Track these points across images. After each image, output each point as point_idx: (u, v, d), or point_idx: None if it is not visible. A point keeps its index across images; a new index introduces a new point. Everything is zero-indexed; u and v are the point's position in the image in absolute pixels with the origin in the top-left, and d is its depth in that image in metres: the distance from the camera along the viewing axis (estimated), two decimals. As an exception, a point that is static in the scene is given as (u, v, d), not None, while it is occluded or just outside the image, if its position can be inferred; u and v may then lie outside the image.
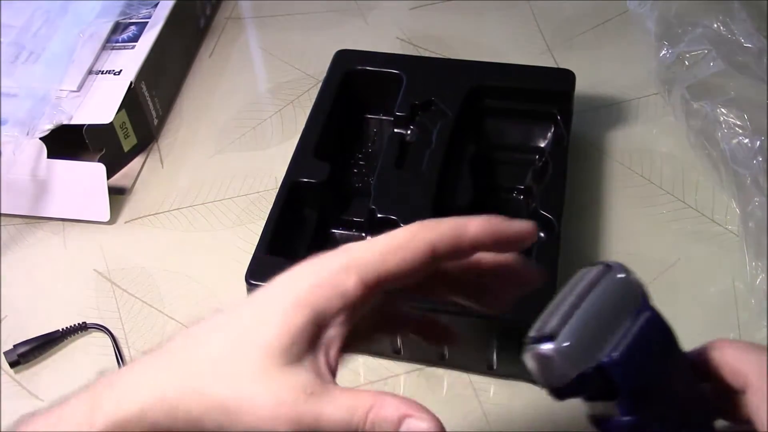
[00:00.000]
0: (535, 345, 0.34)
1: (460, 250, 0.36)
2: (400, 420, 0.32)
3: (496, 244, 0.36)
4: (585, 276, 0.36)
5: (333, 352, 0.33)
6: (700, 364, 0.37)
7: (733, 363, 0.36)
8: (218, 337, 0.34)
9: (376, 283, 0.34)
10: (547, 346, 0.34)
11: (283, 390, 0.32)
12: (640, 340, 0.34)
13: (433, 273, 0.36)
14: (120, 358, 0.63)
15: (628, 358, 0.33)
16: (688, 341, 0.61)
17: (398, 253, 0.34)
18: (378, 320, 0.40)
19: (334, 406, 0.32)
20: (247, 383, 0.32)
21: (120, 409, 0.33)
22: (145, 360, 0.34)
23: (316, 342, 0.33)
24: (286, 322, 0.32)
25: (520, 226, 0.37)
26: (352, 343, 0.36)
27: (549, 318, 0.35)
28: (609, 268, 0.36)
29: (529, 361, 0.35)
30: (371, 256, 0.34)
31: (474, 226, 0.36)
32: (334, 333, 0.33)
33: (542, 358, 0.34)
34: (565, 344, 0.33)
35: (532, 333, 0.35)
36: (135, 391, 0.33)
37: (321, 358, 0.33)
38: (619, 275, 0.36)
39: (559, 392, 0.34)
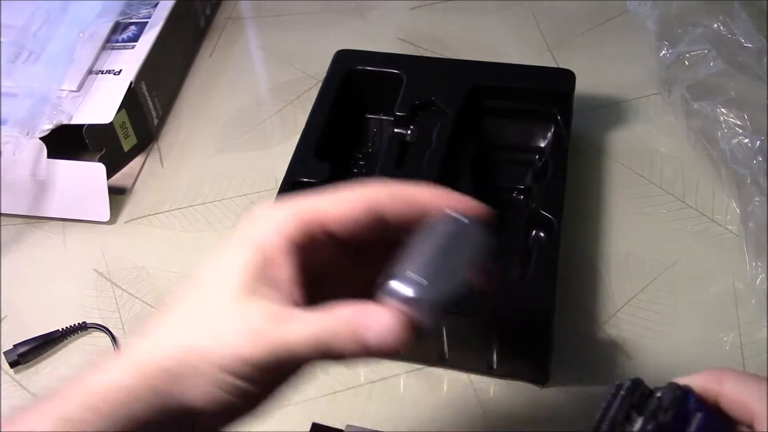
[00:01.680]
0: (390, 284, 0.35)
1: (406, 211, 0.37)
2: (358, 326, 0.34)
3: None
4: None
5: (293, 288, 0.35)
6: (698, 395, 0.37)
7: (736, 396, 0.36)
8: (194, 295, 0.36)
9: (312, 221, 0.36)
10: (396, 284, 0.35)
11: (253, 314, 0.34)
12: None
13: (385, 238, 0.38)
14: (120, 358, 0.63)
15: None
16: (688, 341, 0.61)
17: (337, 198, 0.37)
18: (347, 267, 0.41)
19: (301, 325, 0.33)
20: (219, 324, 0.34)
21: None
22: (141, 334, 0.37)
23: (273, 278, 0.35)
24: (243, 263, 0.35)
25: (469, 203, 0.38)
26: (325, 288, 0.38)
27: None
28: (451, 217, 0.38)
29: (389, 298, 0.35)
30: (311, 200, 0.37)
31: (425, 192, 0.38)
32: (286, 268, 0.35)
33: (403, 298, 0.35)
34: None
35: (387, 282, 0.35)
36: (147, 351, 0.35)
37: (283, 291, 0.34)
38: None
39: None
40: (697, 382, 0.37)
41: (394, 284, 0.35)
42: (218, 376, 0.33)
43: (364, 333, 0.33)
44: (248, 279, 0.34)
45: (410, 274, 0.35)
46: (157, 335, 0.35)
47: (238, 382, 0.33)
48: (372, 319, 0.33)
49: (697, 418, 0.35)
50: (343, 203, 0.36)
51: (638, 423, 0.34)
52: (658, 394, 0.35)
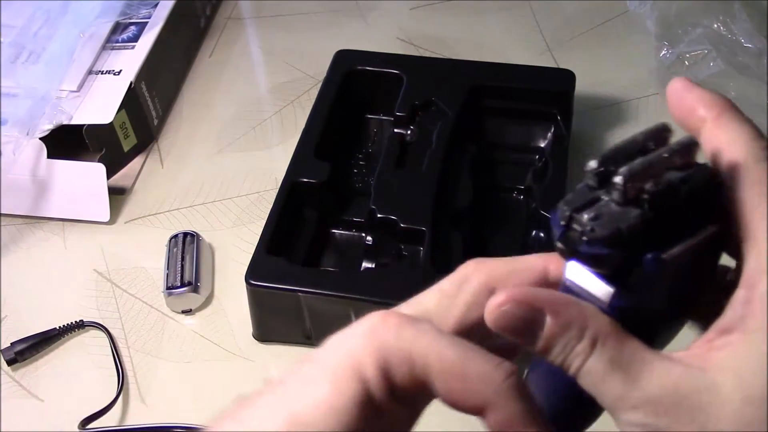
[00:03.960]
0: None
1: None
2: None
3: None
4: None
5: None
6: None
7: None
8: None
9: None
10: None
11: None
12: (697, 247, 0.26)
13: None
14: (117, 355, 0.63)
15: (674, 262, 0.26)
16: (688, 341, 0.61)
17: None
18: None
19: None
20: None
21: None
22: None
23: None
24: (347, 413, 0.26)
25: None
26: None
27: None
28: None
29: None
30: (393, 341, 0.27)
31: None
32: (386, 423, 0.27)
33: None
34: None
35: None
36: None
37: None
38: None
39: (573, 252, 0.26)
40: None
41: None
42: None
43: None
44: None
45: None
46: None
47: None
48: None
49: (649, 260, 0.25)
50: (469, 377, 0.26)
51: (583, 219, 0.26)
52: (618, 179, 0.25)
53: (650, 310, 0.28)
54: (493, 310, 0.27)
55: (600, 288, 0.27)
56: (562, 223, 0.26)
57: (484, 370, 0.26)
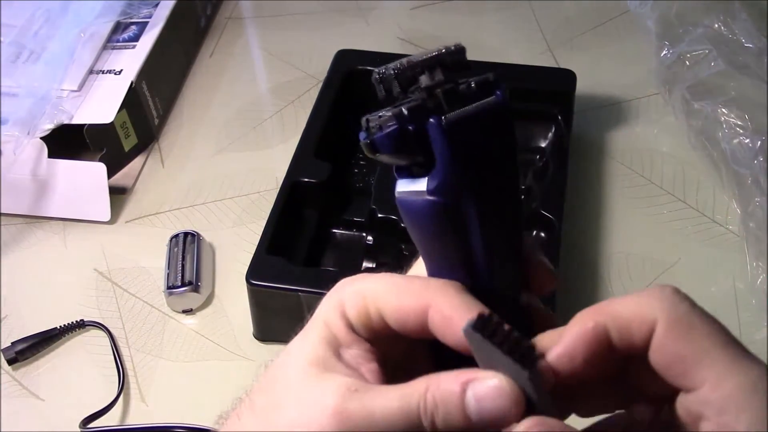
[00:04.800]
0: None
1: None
2: (463, 387, 0.28)
3: None
4: None
5: (367, 366, 0.31)
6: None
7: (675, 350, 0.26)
8: (267, 381, 0.34)
9: (370, 308, 0.31)
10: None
11: (327, 391, 0.30)
12: (479, 115, 0.30)
13: None
14: (118, 355, 0.63)
15: (458, 125, 0.29)
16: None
17: (398, 289, 0.31)
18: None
19: (384, 398, 0.29)
20: (292, 409, 0.30)
21: None
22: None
23: (344, 355, 0.31)
24: (312, 339, 0.32)
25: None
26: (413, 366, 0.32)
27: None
28: None
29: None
30: (378, 284, 0.31)
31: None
32: (355, 347, 0.31)
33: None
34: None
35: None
36: None
37: (355, 368, 0.31)
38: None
39: (374, 144, 0.29)
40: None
41: None
42: None
43: (469, 400, 0.28)
44: (318, 355, 0.31)
45: None
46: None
47: None
48: (479, 383, 0.28)
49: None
50: (404, 296, 0.30)
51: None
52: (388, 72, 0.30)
53: (470, 191, 0.30)
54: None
55: (417, 185, 0.30)
56: (363, 128, 0.30)
57: (424, 281, 0.31)
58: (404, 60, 0.30)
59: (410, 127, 0.29)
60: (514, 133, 0.32)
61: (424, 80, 0.29)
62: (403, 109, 0.29)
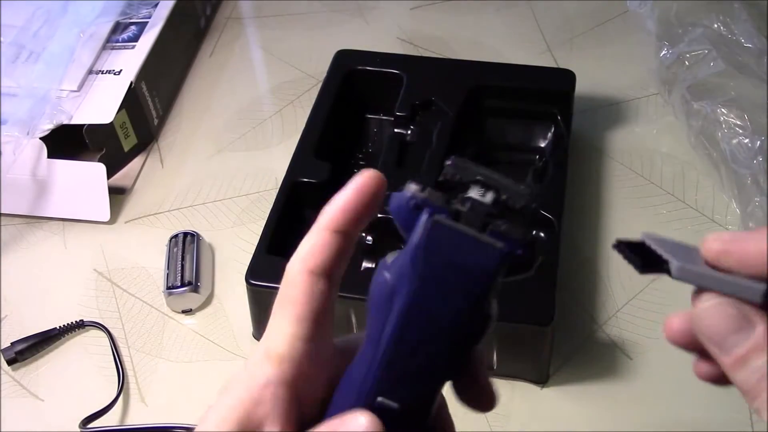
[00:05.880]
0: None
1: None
2: None
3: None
4: None
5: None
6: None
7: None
8: None
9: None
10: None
11: None
12: (469, 244, 0.29)
13: None
14: (117, 355, 0.63)
15: (442, 233, 0.29)
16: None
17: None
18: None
19: None
20: None
21: None
22: None
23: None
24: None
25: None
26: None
27: None
28: None
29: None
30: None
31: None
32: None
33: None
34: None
35: None
36: None
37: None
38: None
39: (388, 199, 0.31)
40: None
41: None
42: None
43: None
44: None
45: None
46: None
47: None
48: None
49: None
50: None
51: None
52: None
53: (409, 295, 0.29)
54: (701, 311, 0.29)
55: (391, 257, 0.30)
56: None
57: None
58: (487, 173, 0.31)
59: (414, 202, 0.29)
60: (485, 305, 0.29)
61: (475, 194, 0.30)
62: (421, 193, 0.29)
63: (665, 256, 0.30)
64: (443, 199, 0.29)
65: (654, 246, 0.31)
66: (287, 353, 0.30)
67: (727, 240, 0.29)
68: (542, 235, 0.63)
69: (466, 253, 0.28)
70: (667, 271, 0.30)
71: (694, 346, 0.30)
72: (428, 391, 0.30)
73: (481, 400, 0.31)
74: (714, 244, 0.29)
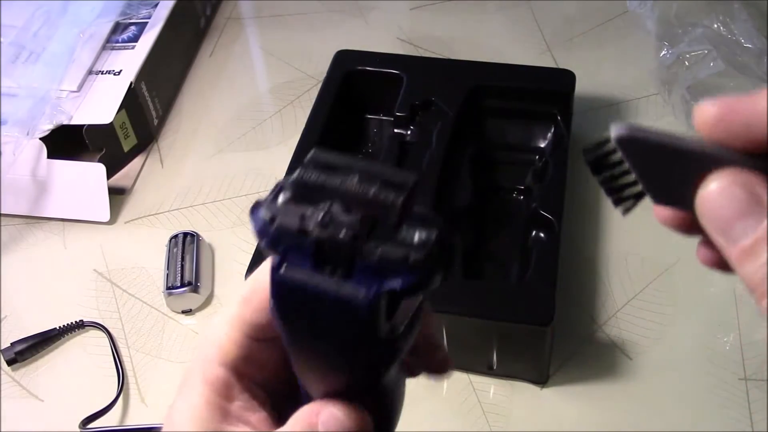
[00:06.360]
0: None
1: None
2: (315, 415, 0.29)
3: None
4: None
5: (256, 416, 0.31)
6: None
7: None
8: None
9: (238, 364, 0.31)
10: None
11: None
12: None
13: None
14: (117, 355, 0.63)
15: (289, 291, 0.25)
16: (688, 341, 0.61)
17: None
18: None
19: None
20: None
21: None
22: None
23: (232, 414, 0.31)
24: (198, 411, 0.30)
25: None
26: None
27: None
28: None
29: None
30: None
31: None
32: (240, 404, 0.31)
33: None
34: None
35: None
36: None
37: (247, 422, 0.30)
38: None
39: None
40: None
41: None
42: None
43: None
44: (203, 419, 0.30)
45: None
46: None
47: None
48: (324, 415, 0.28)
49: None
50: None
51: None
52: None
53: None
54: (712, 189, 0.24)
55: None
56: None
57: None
58: (355, 164, 0.24)
59: (268, 239, 0.25)
60: (374, 338, 0.25)
61: (338, 208, 0.24)
62: (271, 218, 0.25)
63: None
64: (299, 219, 0.24)
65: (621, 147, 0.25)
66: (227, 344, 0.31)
67: (728, 101, 0.24)
68: (542, 235, 0.63)
69: (327, 310, 0.24)
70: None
71: (691, 229, 0.25)
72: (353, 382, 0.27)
73: (432, 366, 0.31)
74: (711, 109, 0.25)
